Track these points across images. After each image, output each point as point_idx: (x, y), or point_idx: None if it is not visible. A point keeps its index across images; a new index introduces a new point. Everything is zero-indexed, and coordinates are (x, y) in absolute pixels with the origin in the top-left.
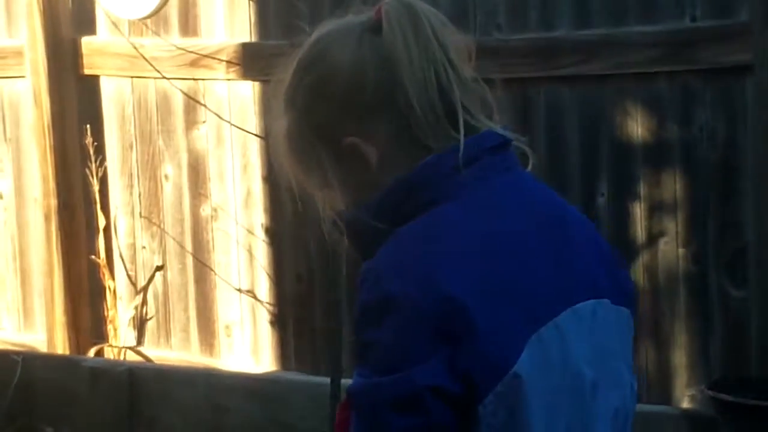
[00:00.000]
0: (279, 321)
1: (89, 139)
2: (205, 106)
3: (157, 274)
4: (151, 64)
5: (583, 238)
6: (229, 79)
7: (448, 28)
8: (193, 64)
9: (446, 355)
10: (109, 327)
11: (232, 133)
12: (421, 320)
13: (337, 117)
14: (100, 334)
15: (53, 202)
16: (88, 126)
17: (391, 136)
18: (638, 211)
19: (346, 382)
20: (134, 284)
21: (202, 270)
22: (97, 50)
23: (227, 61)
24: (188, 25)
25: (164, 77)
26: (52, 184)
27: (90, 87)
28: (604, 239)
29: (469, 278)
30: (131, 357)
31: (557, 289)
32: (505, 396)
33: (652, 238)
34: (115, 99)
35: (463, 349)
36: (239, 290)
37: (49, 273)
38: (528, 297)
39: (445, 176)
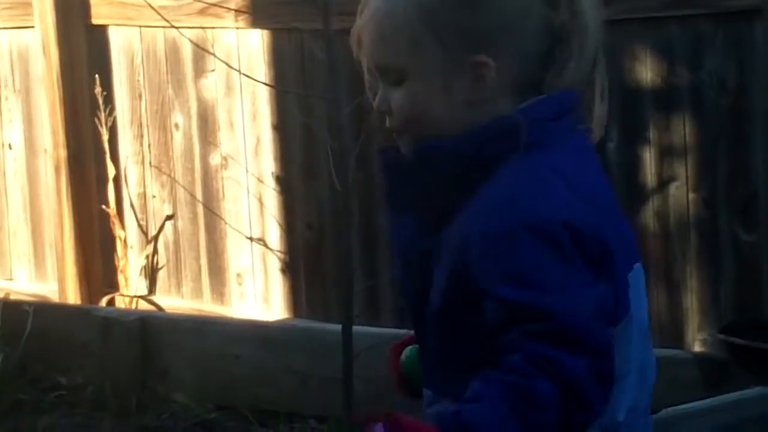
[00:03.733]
0: (290, 269)
1: (98, 89)
2: (213, 54)
3: (168, 223)
4: (159, 13)
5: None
6: (237, 28)
7: None
8: (202, 12)
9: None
10: (120, 276)
11: (241, 82)
12: (582, 243)
13: (477, 29)
14: (111, 284)
15: (63, 152)
16: (96, 76)
17: (514, 72)
18: (648, 157)
19: (357, 329)
20: (145, 234)
21: (213, 219)
22: (105, 0)
23: (236, 10)
24: None
25: (172, 26)
26: (61, 135)
27: (98, 37)
28: None
29: (594, 213)
30: (143, 306)
31: (630, 242)
32: (621, 330)
33: (663, 184)
34: (123, 48)
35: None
36: (250, 239)
37: (60, 224)
38: (622, 242)
39: (549, 120)
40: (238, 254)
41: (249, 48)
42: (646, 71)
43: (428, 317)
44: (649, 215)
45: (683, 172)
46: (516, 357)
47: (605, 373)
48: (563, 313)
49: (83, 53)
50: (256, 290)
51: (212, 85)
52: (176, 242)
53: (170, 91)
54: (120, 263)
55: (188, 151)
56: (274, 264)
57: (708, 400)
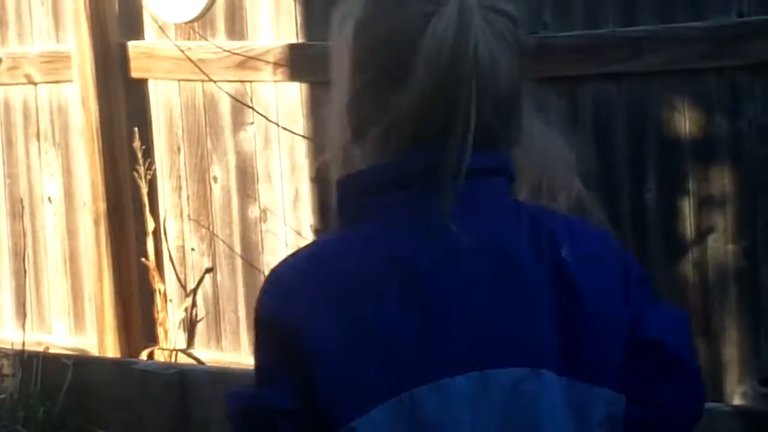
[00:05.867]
0: None
1: (137, 143)
2: (252, 108)
3: (207, 276)
4: (198, 67)
5: (544, 293)
6: (276, 81)
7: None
8: (240, 66)
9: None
10: (160, 330)
11: (279, 135)
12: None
13: (358, 61)
14: (150, 337)
15: (102, 205)
16: (135, 129)
17: (368, 121)
18: (687, 207)
19: None
20: (184, 287)
21: (252, 272)
22: (144, 54)
23: (274, 63)
24: (234, 27)
25: (211, 80)
26: (101, 188)
27: (138, 90)
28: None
29: (334, 324)
30: (182, 359)
31: (464, 347)
32: None
33: (701, 235)
34: (162, 102)
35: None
36: None
37: (99, 277)
38: (408, 350)
39: (374, 191)
40: None
41: (287, 101)
42: (685, 121)
43: None
44: (688, 266)
45: (722, 222)
46: None
47: None
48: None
49: (122, 106)
50: None
51: (251, 137)
52: (215, 295)
53: (209, 144)
54: (159, 316)
55: (227, 204)
56: None
57: None
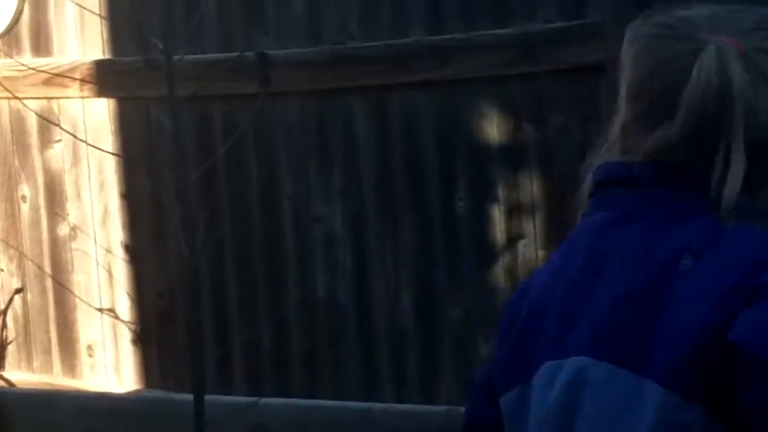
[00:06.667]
0: (141, 339)
1: None
2: (59, 125)
3: (17, 296)
4: (2, 85)
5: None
6: (83, 97)
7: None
8: (47, 83)
9: None
10: None
11: (87, 152)
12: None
13: (624, 99)
14: None
15: None
16: None
17: (636, 146)
18: (497, 214)
19: (209, 398)
20: None
21: (62, 291)
22: None
23: (81, 80)
24: (40, 44)
25: (16, 97)
26: None
27: None
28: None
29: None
30: None
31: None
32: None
33: (512, 241)
34: None
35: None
36: (100, 310)
37: None
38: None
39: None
40: (89, 326)
41: (95, 117)
42: (493, 129)
43: None
44: (499, 272)
45: (532, 228)
46: None
47: None
48: None
49: None
50: (107, 362)
51: (59, 155)
52: (25, 316)
53: (16, 162)
54: None
55: (36, 223)
56: (125, 335)
57: None
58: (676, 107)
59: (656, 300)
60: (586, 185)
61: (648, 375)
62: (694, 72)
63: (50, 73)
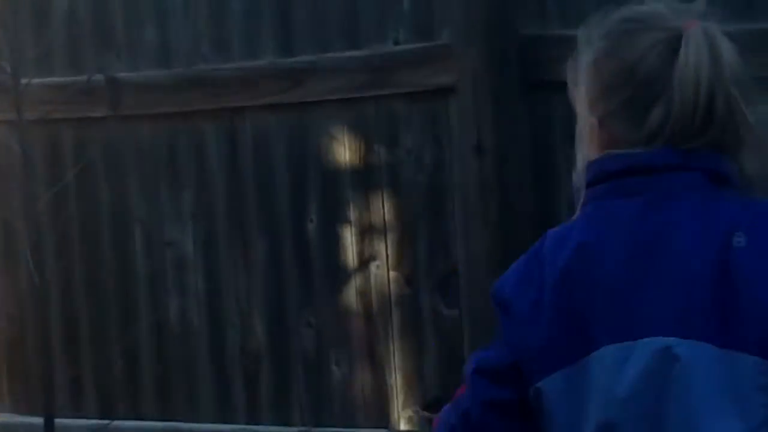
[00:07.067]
0: None
1: None
2: None
3: None
4: None
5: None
6: None
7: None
8: None
9: None
10: None
11: None
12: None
13: (595, 95)
14: None
15: None
16: None
17: (628, 142)
18: (349, 236)
19: (61, 421)
20: None
21: None
22: None
23: None
24: None
25: None
26: None
27: None
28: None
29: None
30: None
31: (620, 320)
32: (531, 401)
33: (364, 263)
34: None
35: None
36: None
37: None
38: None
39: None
40: None
41: None
42: (345, 151)
43: None
44: (352, 294)
45: (383, 250)
46: None
47: None
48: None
49: None
50: None
51: None
52: None
53: None
54: None
55: None
56: None
57: None
58: (662, 91)
59: (726, 276)
60: (580, 179)
61: (738, 347)
62: (682, 52)
63: None
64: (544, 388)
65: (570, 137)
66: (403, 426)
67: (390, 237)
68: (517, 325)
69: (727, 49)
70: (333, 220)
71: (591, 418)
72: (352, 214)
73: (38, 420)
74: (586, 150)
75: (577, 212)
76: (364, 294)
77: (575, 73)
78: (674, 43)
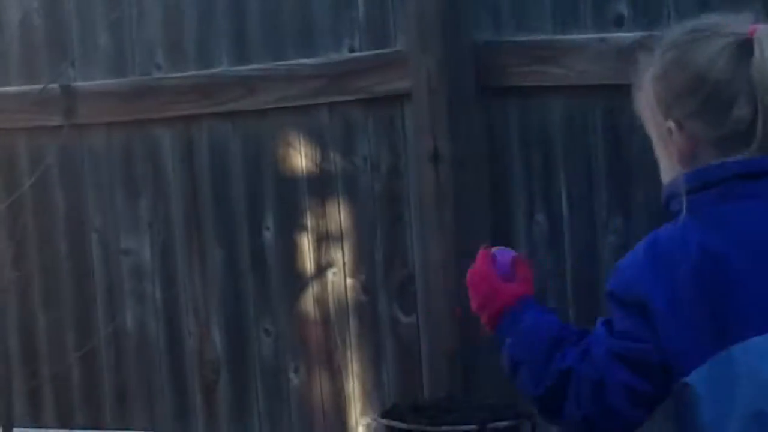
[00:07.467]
0: None
1: None
2: None
3: None
4: None
5: None
6: None
7: None
8: None
9: None
10: None
11: None
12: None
13: (669, 100)
14: None
15: None
16: None
17: (709, 140)
18: (306, 243)
19: (18, 431)
20: None
21: None
22: None
23: None
24: None
25: None
26: None
27: None
28: None
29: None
30: None
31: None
32: (677, 396)
33: (321, 270)
34: None
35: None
36: None
37: None
38: (726, 314)
39: (694, 190)
40: None
41: None
42: (301, 158)
43: None
44: (309, 302)
45: (340, 257)
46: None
47: None
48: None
49: None
50: None
51: None
52: None
53: None
54: None
55: None
56: None
57: None
58: (739, 90)
59: None
60: (675, 187)
61: None
62: (757, 51)
63: None
64: (692, 381)
65: (525, 143)
66: None
67: (347, 244)
68: (659, 322)
69: None
70: (290, 227)
71: (741, 408)
72: (309, 221)
73: None
74: (665, 156)
75: (683, 216)
76: (321, 301)
77: (643, 83)
78: (744, 45)
